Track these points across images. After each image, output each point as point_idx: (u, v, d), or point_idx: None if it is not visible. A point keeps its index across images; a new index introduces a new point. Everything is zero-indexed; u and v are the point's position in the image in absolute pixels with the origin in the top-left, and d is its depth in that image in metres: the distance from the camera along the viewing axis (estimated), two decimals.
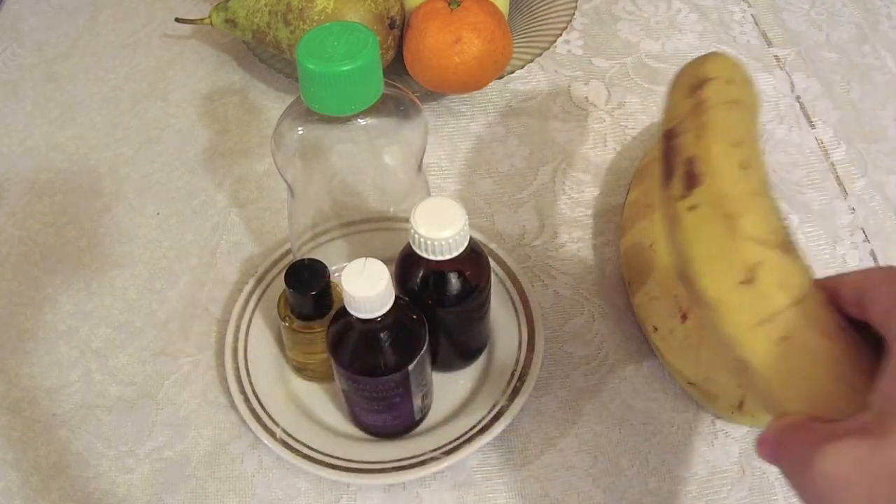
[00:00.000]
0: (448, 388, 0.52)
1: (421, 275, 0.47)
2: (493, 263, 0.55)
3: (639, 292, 0.52)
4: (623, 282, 0.57)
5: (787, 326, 0.34)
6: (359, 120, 0.45)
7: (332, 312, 0.47)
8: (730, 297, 0.35)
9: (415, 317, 0.46)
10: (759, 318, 0.34)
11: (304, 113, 0.45)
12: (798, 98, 0.69)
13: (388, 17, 0.63)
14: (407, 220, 0.44)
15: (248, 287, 0.56)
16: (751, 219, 0.36)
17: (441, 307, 0.47)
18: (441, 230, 0.43)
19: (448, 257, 0.44)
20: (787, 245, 0.36)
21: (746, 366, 0.35)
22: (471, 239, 0.45)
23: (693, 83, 0.44)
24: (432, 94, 0.69)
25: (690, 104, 0.43)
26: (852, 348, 0.33)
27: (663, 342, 0.50)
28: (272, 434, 0.49)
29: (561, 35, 0.70)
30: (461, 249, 0.44)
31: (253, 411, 0.50)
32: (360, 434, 0.50)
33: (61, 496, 0.50)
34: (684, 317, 0.49)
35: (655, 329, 0.51)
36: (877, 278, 0.33)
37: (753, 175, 0.38)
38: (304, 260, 0.48)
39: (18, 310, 0.59)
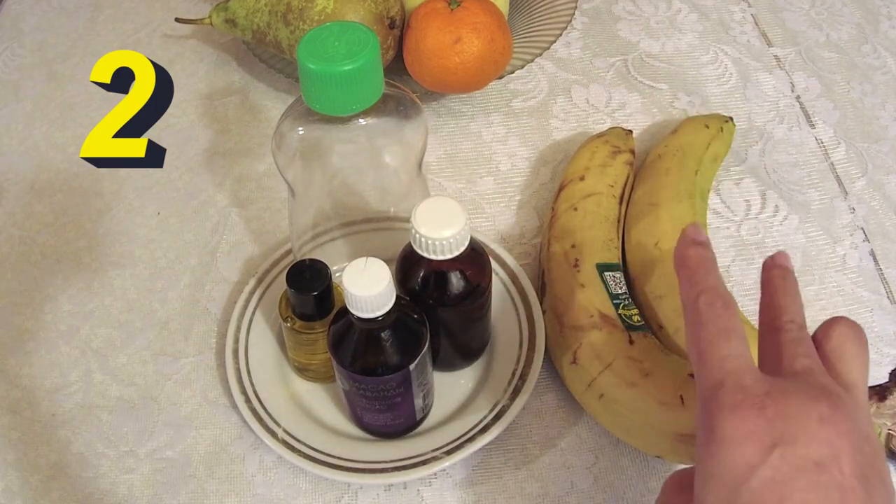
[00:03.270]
0: (449, 388, 0.52)
1: (422, 274, 0.47)
2: (493, 263, 0.55)
3: (644, 290, 0.52)
4: None
5: (600, 387, 0.48)
6: (359, 120, 0.45)
7: (334, 312, 0.47)
8: (567, 374, 0.50)
9: (416, 316, 0.46)
10: (585, 385, 0.49)
11: (305, 113, 0.45)
12: (798, 98, 0.70)
13: (388, 17, 0.63)
14: (407, 220, 0.44)
15: (248, 287, 0.56)
16: (571, 314, 0.50)
17: (442, 307, 0.47)
18: (442, 230, 0.43)
19: (449, 257, 0.44)
20: (605, 319, 0.49)
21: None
22: (471, 238, 0.45)
23: (560, 182, 0.59)
24: (432, 94, 0.69)
25: (555, 204, 0.58)
26: (655, 386, 0.46)
27: (667, 341, 0.51)
28: (273, 434, 0.49)
29: (561, 35, 0.70)
30: (462, 249, 0.44)
31: (254, 411, 0.50)
32: (362, 434, 0.50)
33: (61, 496, 0.50)
34: None
35: (661, 327, 0.51)
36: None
37: (583, 269, 0.52)
38: (305, 260, 0.48)
39: (18, 310, 0.59)
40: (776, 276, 0.38)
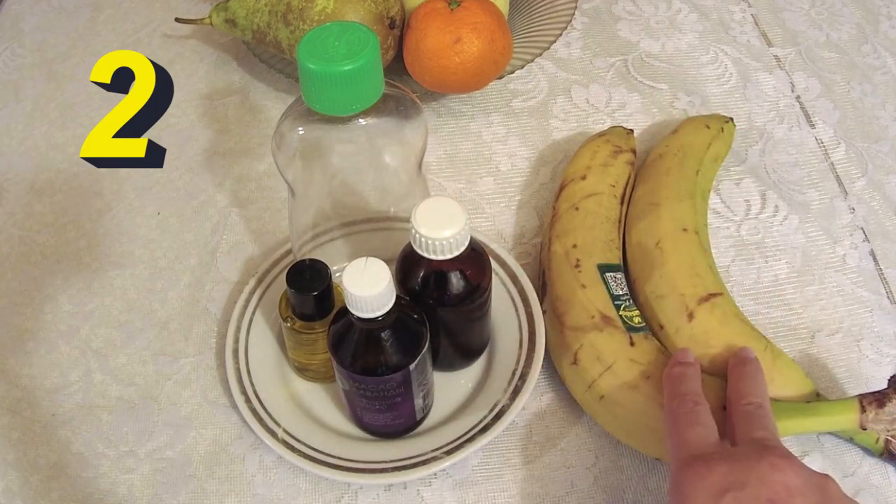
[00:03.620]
0: (449, 388, 0.52)
1: (422, 274, 0.47)
2: (493, 263, 0.55)
3: (644, 291, 0.52)
4: None
5: (601, 389, 0.48)
6: (359, 120, 0.45)
7: (334, 312, 0.47)
8: (567, 374, 0.51)
9: (416, 316, 0.46)
10: (585, 387, 0.49)
11: (305, 113, 0.45)
12: (798, 98, 0.69)
13: (388, 17, 0.63)
14: (407, 220, 0.44)
15: (248, 287, 0.56)
16: (572, 314, 0.50)
17: (442, 307, 0.47)
18: (442, 230, 0.43)
19: (449, 257, 0.44)
20: (606, 320, 0.49)
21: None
22: (471, 238, 0.45)
23: (561, 181, 0.59)
24: (432, 94, 0.69)
25: (556, 203, 0.58)
26: (655, 389, 0.47)
27: (667, 341, 0.51)
28: (273, 434, 0.49)
29: (561, 35, 0.70)
30: (462, 249, 0.44)
31: (254, 411, 0.50)
32: (362, 434, 0.50)
33: (61, 496, 0.50)
34: (691, 315, 0.50)
35: (661, 327, 0.51)
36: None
37: (584, 269, 0.52)
38: (305, 260, 0.48)
39: (18, 310, 0.59)
40: (737, 365, 0.46)
